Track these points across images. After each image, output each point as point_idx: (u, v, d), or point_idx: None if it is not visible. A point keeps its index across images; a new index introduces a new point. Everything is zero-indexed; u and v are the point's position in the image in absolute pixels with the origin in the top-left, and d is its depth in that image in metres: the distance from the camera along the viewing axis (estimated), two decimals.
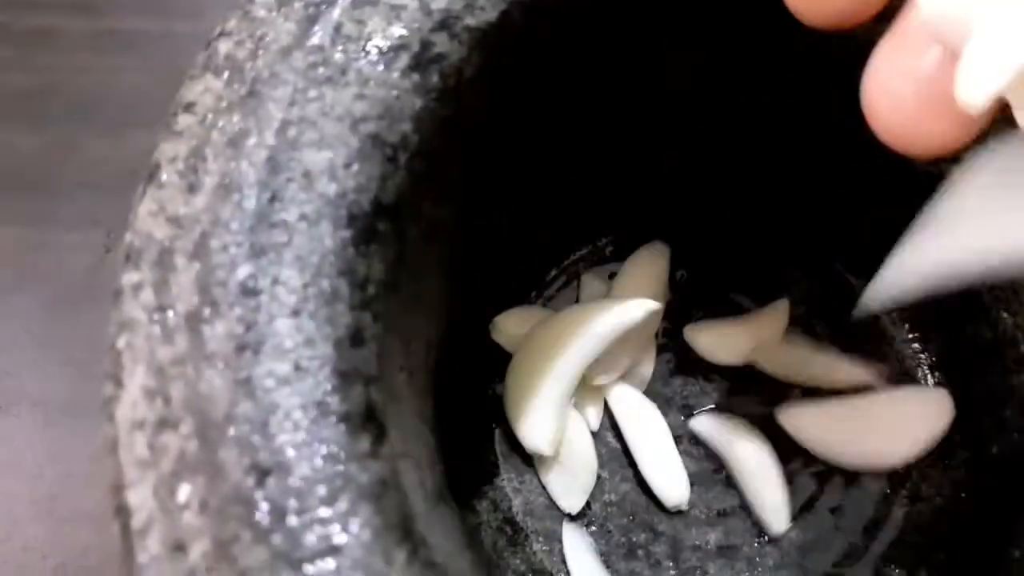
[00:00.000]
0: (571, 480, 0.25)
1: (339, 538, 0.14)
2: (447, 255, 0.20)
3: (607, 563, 0.24)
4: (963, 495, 0.24)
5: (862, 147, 0.15)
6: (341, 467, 0.14)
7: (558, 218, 0.25)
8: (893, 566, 0.24)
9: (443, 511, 0.18)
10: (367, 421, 0.15)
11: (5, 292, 0.31)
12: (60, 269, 0.31)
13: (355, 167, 0.16)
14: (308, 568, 0.13)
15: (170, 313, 0.15)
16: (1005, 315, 0.23)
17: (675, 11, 0.20)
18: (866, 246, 0.18)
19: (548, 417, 0.25)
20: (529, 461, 0.25)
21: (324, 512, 0.14)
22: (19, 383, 0.31)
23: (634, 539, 0.24)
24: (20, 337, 0.31)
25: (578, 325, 0.24)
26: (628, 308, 0.24)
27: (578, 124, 0.22)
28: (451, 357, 0.24)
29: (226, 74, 0.16)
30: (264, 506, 0.14)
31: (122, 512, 0.14)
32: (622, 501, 0.25)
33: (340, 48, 0.16)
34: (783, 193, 0.25)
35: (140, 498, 0.14)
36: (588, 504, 0.25)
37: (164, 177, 0.15)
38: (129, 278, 0.15)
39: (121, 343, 0.15)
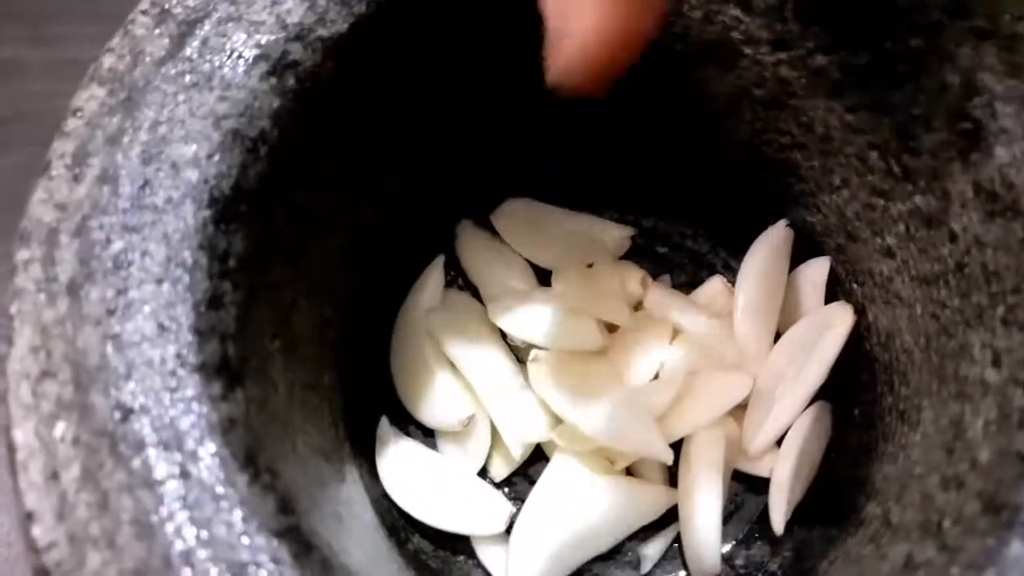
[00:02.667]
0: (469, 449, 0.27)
1: (191, 465, 0.16)
2: (329, 239, 0.23)
3: None
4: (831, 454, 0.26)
5: None
6: (194, 406, 0.17)
7: (431, 204, 0.28)
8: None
9: (318, 462, 0.21)
10: (221, 370, 0.17)
11: None
12: None
13: (216, 157, 0.18)
14: (160, 489, 0.16)
15: (54, 283, 0.17)
16: None
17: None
18: None
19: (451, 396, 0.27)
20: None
21: (177, 443, 0.16)
22: None
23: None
24: None
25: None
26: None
27: (435, 113, 0.25)
28: (355, 335, 0.27)
29: (108, 84, 0.19)
30: (126, 439, 0.16)
31: (10, 449, 0.16)
32: None
33: (207, 59, 0.19)
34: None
35: (24, 436, 0.16)
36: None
37: (53, 171, 0.18)
38: (21, 255, 0.17)
39: (13, 309, 0.17)
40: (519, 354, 0.28)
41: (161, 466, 0.16)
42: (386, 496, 0.26)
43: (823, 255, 0.26)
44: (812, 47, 0.21)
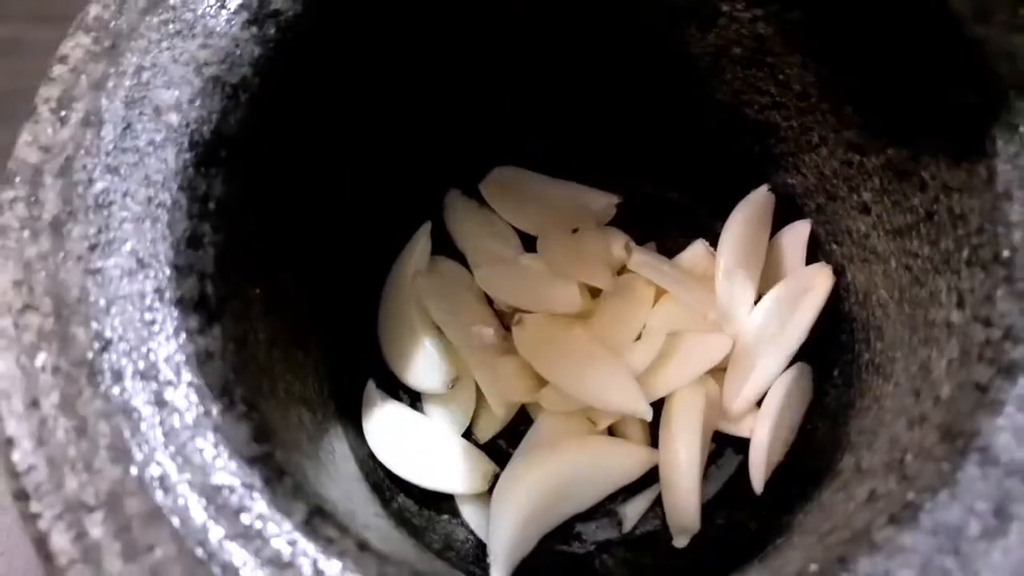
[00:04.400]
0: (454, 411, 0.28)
1: (167, 393, 0.17)
2: (311, 197, 0.23)
3: None
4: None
5: None
6: (172, 340, 0.17)
7: (418, 172, 0.28)
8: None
9: (299, 410, 0.21)
10: (199, 306, 0.18)
11: None
12: None
13: (198, 102, 0.19)
14: (136, 415, 0.16)
15: (37, 221, 0.18)
16: None
17: None
18: None
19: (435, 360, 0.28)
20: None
21: (153, 372, 0.17)
22: None
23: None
24: None
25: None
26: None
27: (422, 78, 0.25)
28: (343, 299, 0.27)
29: (93, 32, 0.19)
30: (104, 369, 0.17)
31: None
32: None
33: (190, 7, 0.19)
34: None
35: (5, 366, 0.17)
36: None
37: (40, 114, 0.19)
38: (5, 195, 0.18)
39: None
40: (504, 319, 0.29)
41: (138, 394, 0.16)
42: (371, 457, 0.27)
43: (804, 217, 0.27)
44: (786, 1, 0.22)
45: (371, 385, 0.28)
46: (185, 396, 0.17)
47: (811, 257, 0.27)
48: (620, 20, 0.25)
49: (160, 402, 0.16)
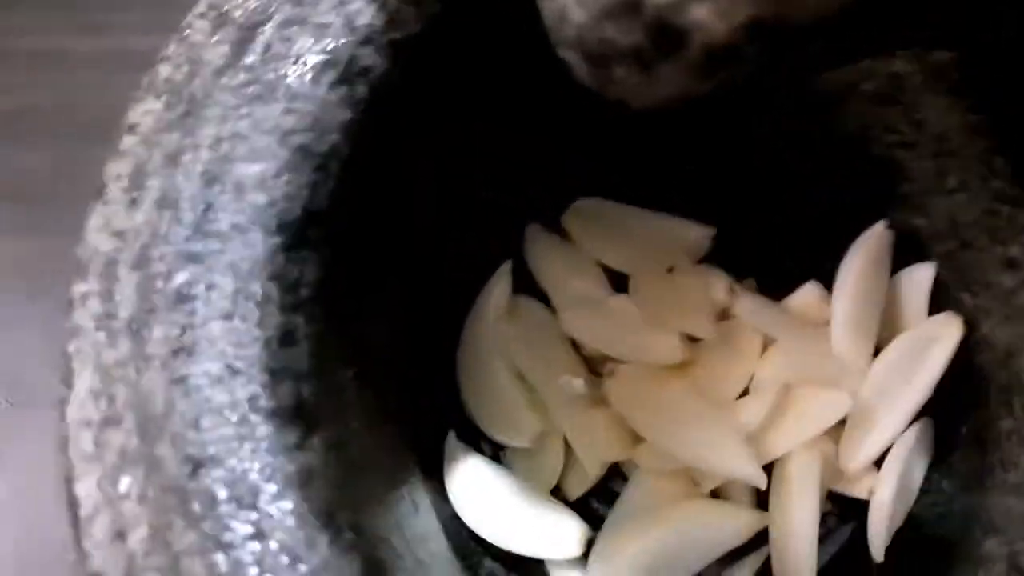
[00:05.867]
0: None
1: (265, 523, 0.15)
2: (397, 254, 0.21)
3: None
4: None
5: None
6: (269, 458, 0.15)
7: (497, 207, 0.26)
8: None
9: (394, 500, 0.20)
10: (296, 416, 0.16)
11: (21, 302, 0.33)
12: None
13: (285, 177, 0.17)
14: (237, 551, 0.15)
15: (114, 320, 0.16)
16: None
17: None
18: None
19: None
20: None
21: (251, 499, 0.15)
22: (38, 382, 0.33)
23: None
24: (36, 342, 0.33)
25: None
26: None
27: (502, 113, 0.23)
28: (422, 351, 0.25)
29: (165, 96, 0.17)
30: (197, 495, 0.15)
31: (72, 503, 0.15)
32: None
33: (271, 67, 0.17)
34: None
35: (86, 489, 0.15)
36: None
37: (109, 194, 0.17)
38: (78, 288, 0.16)
39: (71, 348, 0.16)
40: (594, 366, 0.27)
41: (235, 526, 0.15)
42: (455, 517, 0.25)
43: (927, 261, 0.24)
44: (930, 42, 0.19)
45: (452, 438, 0.26)
46: (287, 528, 0.15)
47: (935, 304, 0.24)
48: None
49: (260, 534, 0.15)
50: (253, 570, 0.14)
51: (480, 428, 0.26)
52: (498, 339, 0.26)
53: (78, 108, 0.37)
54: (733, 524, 0.24)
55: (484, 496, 0.25)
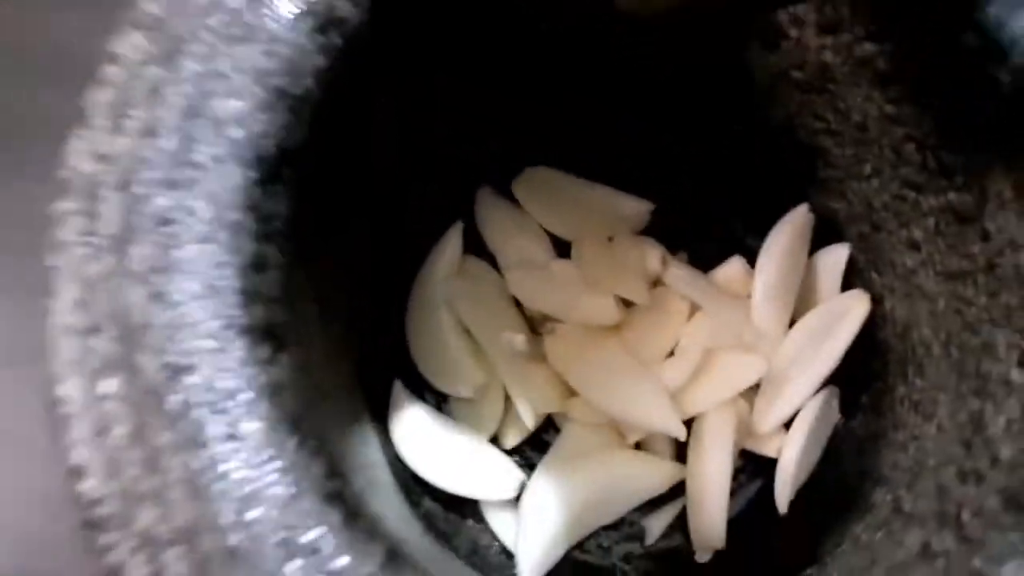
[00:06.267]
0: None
1: (238, 427, 0.16)
2: (359, 203, 0.23)
3: None
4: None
5: None
6: (243, 369, 0.16)
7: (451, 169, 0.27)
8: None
9: (349, 427, 0.21)
10: (267, 335, 0.17)
11: None
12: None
13: (261, 115, 0.18)
14: (209, 451, 0.16)
15: (96, 237, 0.17)
16: None
17: None
18: None
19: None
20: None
21: (225, 405, 0.16)
22: None
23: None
24: None
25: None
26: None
27: (465, 78, 0.24)
28: (375, 300, 0.27)
29: (150, 30, 0.18)
30: (173, 399, 0.16)
31: (55, 403, 0.16)
32: None
33: (253, 11, 0.18)
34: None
35: (69, 391, 0.16)
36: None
37: (94, 120, 0.18)
38: (61, 206, 0.17)
39: (57, 262, 0.17)
40: (535, 324, 0.28)
41: (210, 427, 0.16)
42: (399, 459, 0.26)
43: (843, 242, 0.27)
44: (861, 35, 0.21)
45: (398, 385, 0.27)
46: (258, 431, 0.16)
47: (847, 282, 0.27)
48: (678, 28, 0.24)
49: (233, 436, 0.16)
50: (224, 466, 0.16)
51: (425, 378, 0.28)
52: (447, 296, 0.28)
53: (26, 47, 0.37)
54: (654, 474, 0.27)
55: (426, 441, 0.27)
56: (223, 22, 0.18)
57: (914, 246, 0.23)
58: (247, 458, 0.16)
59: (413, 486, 0.26)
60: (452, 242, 0.29)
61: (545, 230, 0.29)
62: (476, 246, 0.29)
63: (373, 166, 0.24)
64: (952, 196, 0.21)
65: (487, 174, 0.29)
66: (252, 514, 0.16)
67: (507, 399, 0.28)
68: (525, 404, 0.27)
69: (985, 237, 0.20)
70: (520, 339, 0.28)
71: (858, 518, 0.23)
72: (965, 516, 0.18)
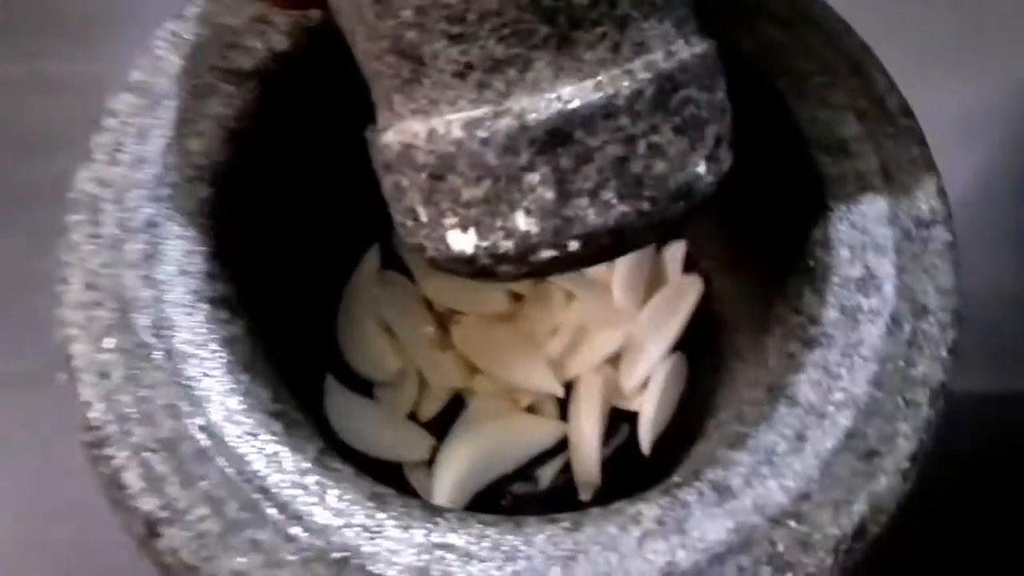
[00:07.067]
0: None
1: (207, 366, 0.22)
2: (296, 225, 0.29)
3: None
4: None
5: None
6: (209, 326, 0.23)
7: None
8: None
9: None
10: (224, 303, 0.23)
11: None
12: None
13: (220, 148, 0.25)
14: (187, 384, 0.22)
15: (98, 239, 0.23)
16: None
17: None
18: None
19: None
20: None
21: (195, 351, 0.22)
22: None
23: None
24: None
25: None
26: None
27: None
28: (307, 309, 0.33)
29: (137, 92, 0.25)
30: (159, 349, 0.22)
31: (68, 359, 0.22)
32: None
33: (212, 75, 0.25)
34: None
35: (80, 348, 0.22)
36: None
37: (96, 156, 0.24)
38: (71, 218, 0.23)
39: (67, 258, 0.23)
40: (443, 321, 0.35)
41: (186, 368, 0.22)
42: (332, 437, 0.32)
43: (681, 239, 0.34)
44: None
45: (330, 378, 0.33)
46: (221, 368, 0.22)
47: (687, 268, 0.34)
48: None
49: (203, 374, 0.22)
50: (198, 394, 0.22)
51: (353, 369, 0.34)
52: (370, 301, 0.34)
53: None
54: (543, 430, 0.33)
55: (356, 419, 0.33)
56: (193, 83, 0.25)
57: (730, 240, 0.31)
58: (212, 386, 0.22)
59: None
60: (371, 259, 0.35)
61: None
62: (395, 263, 0.36)
63: (303, 195, 0.30)
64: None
65: None
66: (218, 427, 0.21)
67: (422, 382, 0.34)
68: (437, 382, 0.33)
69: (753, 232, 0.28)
70: (431, 331, 0.34)
71: (697, 443, 0.30)
72: (745, 408, 0.25)
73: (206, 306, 0.23)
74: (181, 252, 0.23)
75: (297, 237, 0.31)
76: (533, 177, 0.19)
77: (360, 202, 0.33)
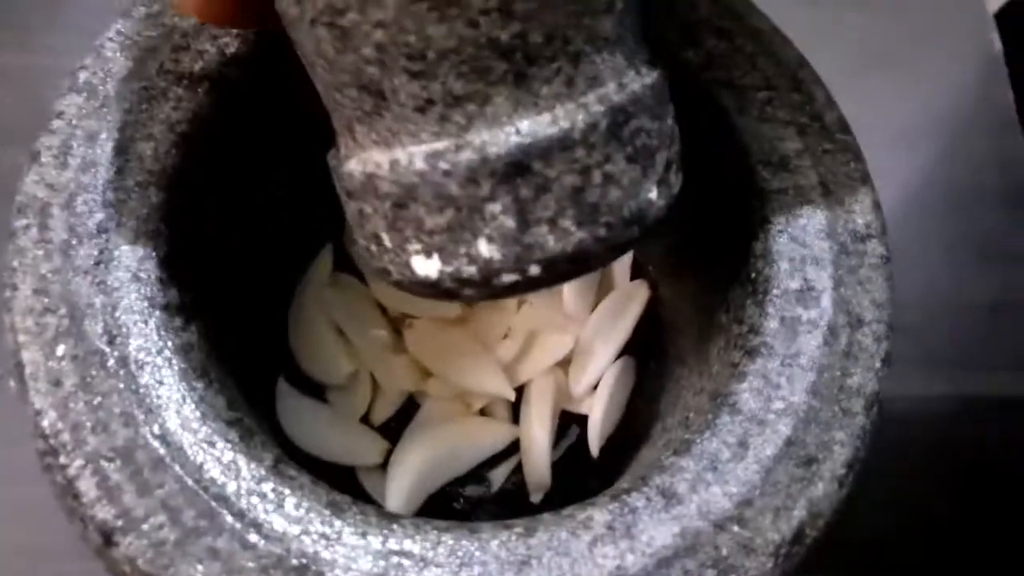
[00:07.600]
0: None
1: (162, 374, 0.22)
2: (248, 226, 0.29)
3: None
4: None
5: None
6: (163, 333, 0.23)
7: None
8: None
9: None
10: (177, 309, 0.23)
11: None
12: None
13: (172, 153, 0.24)
14: (141, 391, 0.22)
15: (48, 244, 0.23)
16: None
17: None
18: None
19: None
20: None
21: (150, 359, 0.22)
22: None
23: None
24: None
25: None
26: None
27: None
28: (258, 311, 0.33)
29: (85, 93, 0.24)
30: (112, 356, 0.22)
31: (18, 366, 0.22)
32: None
33: (163, 78, 0.25)
34: None
35: (30, 356, 0.22)
36: None
37: (43, 159, 0.24)
38: (19, 222, 0.23)
39: (14, 263, 0.23)
40: (396, 324, 0.35)
41: (140, 376, 0.22)
42: (285, 443, 0.32)
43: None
44: None
45: (282, 381, 0.33)
46: (175, 376, 0.22)
47: (634, 274, 0.35)
48: None
49: (158, 381, 0.22)
50: (154, 402, 0.22)
51: (305, 372, 0.34)
52: (322, 303, 0.35)
53: None
54: (494, 433, 0.34)
55: (308, 423, 0.33)
56: (141, 86, 0.25)
57: (671, 249, 0.32)
58: (167, 395, 0.22)
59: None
60: (324, 260, 0.35)
61: None
62: (347, 265, 0.36)
63: (256, 197, 0.30)
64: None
65: None
66: (175, 435, 0.21)
67: (375, 385, 0.34)
68: (390, 386, 0.34)
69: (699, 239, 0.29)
70: (384, 334, 0.34)
71: (644, 447, 0.31)
72: (691, 415, 0.26)
73: (159, 313, 0.23)
74: (133, 258, 0.23)
75: (249, 240, 0.30)
76: (494, 207, 0.19)
77: (312, 202, 0.34)
